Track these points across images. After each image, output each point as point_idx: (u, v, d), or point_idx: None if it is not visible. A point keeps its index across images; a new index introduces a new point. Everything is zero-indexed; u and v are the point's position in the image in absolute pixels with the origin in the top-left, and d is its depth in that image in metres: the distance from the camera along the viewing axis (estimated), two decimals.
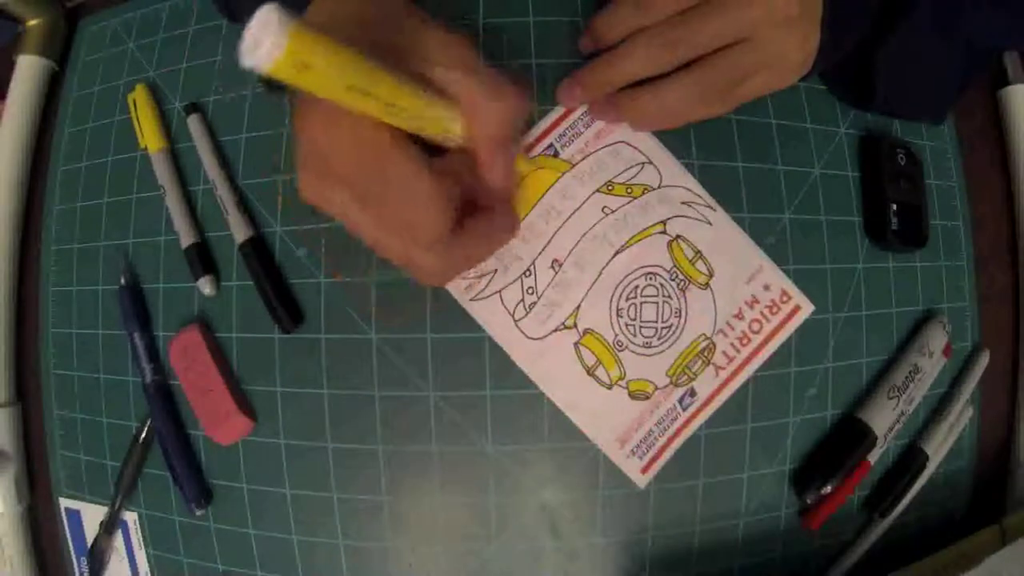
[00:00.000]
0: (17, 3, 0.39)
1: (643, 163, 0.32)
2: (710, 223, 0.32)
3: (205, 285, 0.33)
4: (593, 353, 0.31)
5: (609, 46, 0.30)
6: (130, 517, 0.35)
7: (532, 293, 0.31)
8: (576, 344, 0.31)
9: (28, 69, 0.39)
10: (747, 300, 0.32)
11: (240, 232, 0.32)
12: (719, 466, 0.32)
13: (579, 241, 0.31)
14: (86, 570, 0.36)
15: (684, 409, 0.31)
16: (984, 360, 0.37)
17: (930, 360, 0.34)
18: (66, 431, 0.37)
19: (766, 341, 0.32)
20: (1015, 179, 0.40)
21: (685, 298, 0.31)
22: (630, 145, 0.32)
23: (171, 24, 0.37)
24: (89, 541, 0.36)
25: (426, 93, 0.22)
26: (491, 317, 0.31)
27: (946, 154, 0.38)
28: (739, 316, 0.32)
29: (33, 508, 0.39)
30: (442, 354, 0.31)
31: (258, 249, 0.32)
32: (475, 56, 0.24)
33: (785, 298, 0.32)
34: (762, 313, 0.32)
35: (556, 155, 0.31)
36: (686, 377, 0.31)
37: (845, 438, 0.33)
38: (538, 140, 0.32)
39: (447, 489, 0.31)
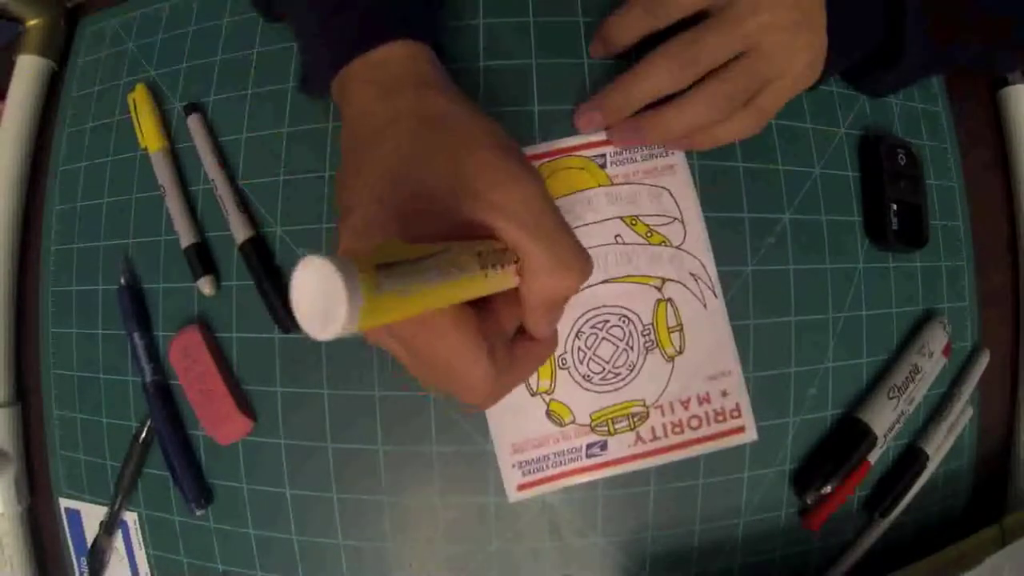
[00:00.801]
0: (17, 3, 0.39)
1: (675, 219, 0.31)
2: (705, 306, 0.32)
3: (205, 285, 0.33)
4: None
5: (620, 52, 0.30)
6: (130, 517, 0.35)
7: None
8: None
9: (28, 69, 0.39)
10: (700, 395, 0.31)
11: (240, 232, 0.32)
12: (719, 466, 0.32)
13: None
14: (86, 570, 0.36)
15: (587, 457, 0.31)
16: (984, 360, 0.37)
17: (930, 360, 0.34)
18: (66, 431, 0.37)
19: (695, 442, 0.31)
20: (1015, 179, 0.40)
21: (645, 358, 0.31)
22: (673, 197, 0.32)
23: (171, 24, 0.37)
24: (89, 541, 0.36)
25: (488, 275, 0.20)
26: None
27: (946, 154, 0.38)
28: (685, 404, 0.31)
29: (33, 508, 0.39)
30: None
31: (258, 249, 0.32)
32: (541, 198, 0.22)
33: (735, 413, 0.32)
34: (707, 414, 0.31)
35: (603, 166, 0.31)
36: (606, 429, 0.31)
37: (845, 438, 0.33)
38: (595, 145, 0.31)
39: (447, 489, 0.31)
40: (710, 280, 0.32)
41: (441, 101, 0.24)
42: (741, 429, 0.32)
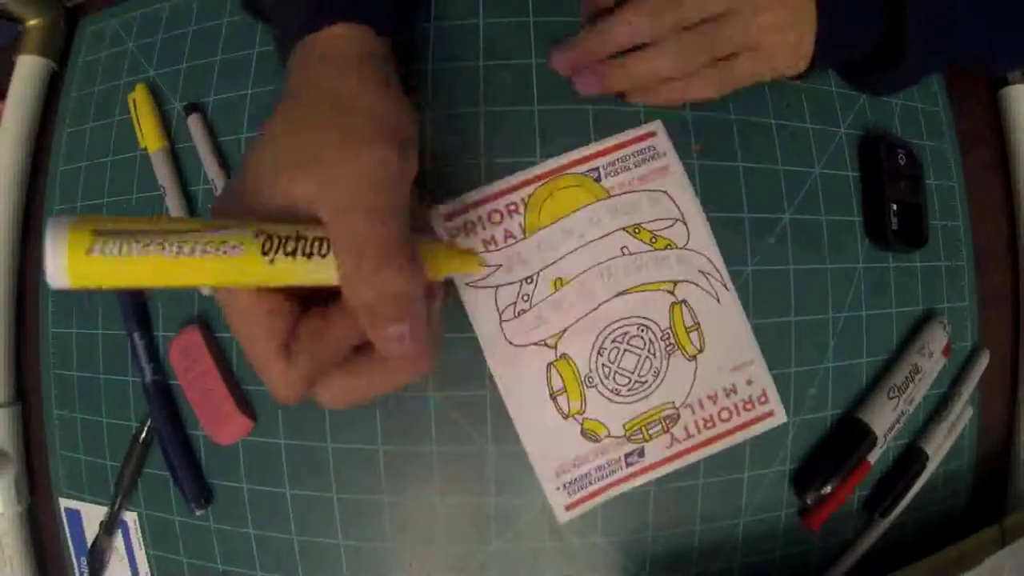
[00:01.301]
0: (17, 3, 0.39)
1: (676, 219, 0.32)
2: (718, 300, 0.32)
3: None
4: (562, 379, 0.31)
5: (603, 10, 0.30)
6: (130, 517, 0.35)
7: (526, 301, 0.31)
8: (550, 364, 0.31)
9: (28, 69, 0.39)
10: (726, 387, 0.32)
11: None
12: (719, 466, 0.32)
13: (588, 269, 0.31)
14: (86, 570, 0.36)
15: (628, 465, 0.31)
16: (984, 360, 0.37)
17: (930, 360, 0.34)
18: (66, 431, 0.37)
19: (728, 433, 0.32)
20: (1015, 179, 0.40)
21: (668, 362, 0.31)
22: (671, 199, 0.32)
23: (171, 24, 0.37)
24: (89, 541, 0.36)
25: (275, 262, 0.20)
26: (479, 308, 0.30)
27: (946, 154, 0.38)
28: (713, 399, 0.32)
29: (33, 508, 0.39)
30: (443, 353, 0.31)
31: None
32: (376, 187, 0.21)
33: (763, 399, 0.32)
34: (736, 405, 0.32)
35: (598, 180, 0.31)
36: (641, 436, 0.31)
37: (845, 438, 0.33)
38: (588, 159, 0.31)
39: (447, 489, 0.31)
40: (720, 274, 0.32)
41: (350, 81, 0.24)
42: (771, 413, 0.32)
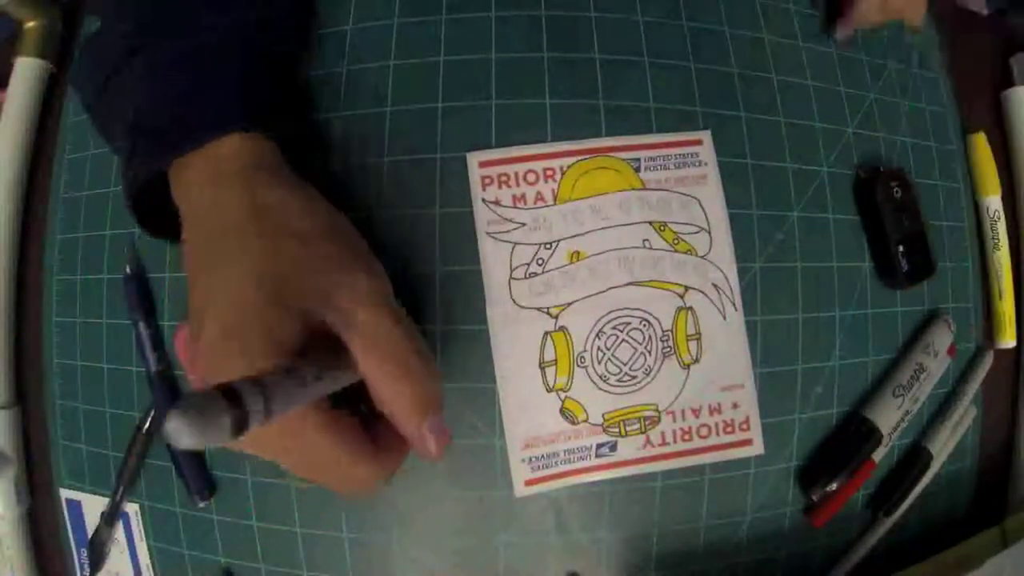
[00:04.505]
0: (15, 5, 0.39)
1: (702, 229, 0.32)
2: (724, 318, 0.32)
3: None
4: (555, 351, 0.30)
5: None
6: (131, 508, 0.35)
7: (540, 265, 0.31)
8: (547, 333, 0.30)
9: (26, 71, 0.39)
10: (711, 404, 0.32)
11: None
12: (725, 463, 0.32)
13: (607, 251, 0.31)
14: (86, 561, 0.36)
15: (597, 456, 0.31)
16: (988, 361, 0.37)
17: (935, 359, 0.35)
18: (68, 421, 0.37)
19: (703, 451, 0.32)
20: (1017, 179, 0.40)
21: (662, 364, 0.31)
22: (702, 208, 0.32)
23: None
24: (90, 532, 0.36)
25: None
26: (493, 258, 0.30)
27: (952, 155, 0.38)
28: (696, 412, 0.32)
29: (33, 502, 0.39)
30: (450, 346, 0.31)
31: None
32: (382, 302, 0.22)
33: (745, 426, 0.32)
34: (717, 424, 0.32)
35: (637, 170, 0.31)
36: (617, 431, 0.31)
37: (851, 436, 0.33)
38: (632, 148, 0.31)
39: (453, 482, 0.31)
40: (731, 292, 0.32)
41: (277, 192, 0.24)
42: (749, 442, 0.32)
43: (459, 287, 0.31)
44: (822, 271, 0.33)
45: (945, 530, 0.37)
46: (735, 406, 0.32)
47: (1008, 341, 0.37)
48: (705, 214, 0.32)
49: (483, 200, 0.30)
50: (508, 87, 0.32)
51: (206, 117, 0.25)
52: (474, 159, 0.31)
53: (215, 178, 0.24)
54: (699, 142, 0.32)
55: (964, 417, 0.36)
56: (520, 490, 0.31)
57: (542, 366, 0.30)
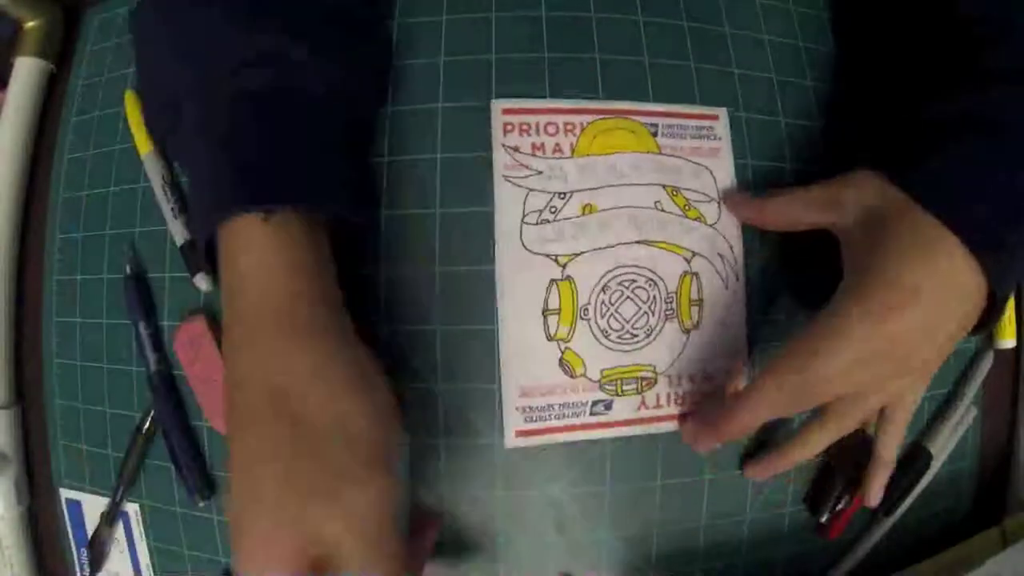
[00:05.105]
0: (15, 5, 0.39)
1: (712, 199, 0.32)
2: (727, 287, 0.32)
3: (202, 281, 0.33)
4: (559, 300, 0.30)
5: None
6: (131, 508, 0.35)
7: (553, 213, 0.31)
8: (553, 281, 0.30)
9: (26, 71, 0.39)
10: (707, 372, 0.32)
11: None
12: (725, 463, 0.32)
13: (620, 208, 0.31)
14: (86, 561, 0.36)
15: (591, 414, 0.31)
16: (988, 361, 0.37)
17: None
18: (68, 421, 0.37)
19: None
20: None
21: (664, 325, 0.31)
22: (713, 178, 0.32)
23: None
24: (90, 532, 0.36)
25: None
26: (507, 200, 0.30)
27: None
28: (692, 379, 0.32)
29: (33, 503, 0.39)
30: (450, 346, 0.31)
31: None
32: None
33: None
34: (707, 394, 0.32)
35: (655, 135, 0.32)
36: (614, 388, 0.31)
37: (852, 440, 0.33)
38: (649, 113, 0.32)
39: (454, 483, 0.31)
40: (736, 263, 0.32)
41: (308, 359, 0.24)
42: None
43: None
44: (826, 275, 0.33)
45: (945, 530, 0.37)
46: (729, 376, 0.32)
47: (1008, 341, 0.37)
48: (716, 185, 0.32)
49: (503, 145, 0.31)
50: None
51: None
52: (498, 106, 0.31)
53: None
54: (716, 117, 0.33)
55: (964, 417, 0.36)
56: (511, 441, 0.30)
57: (545, 313, 0.30)
